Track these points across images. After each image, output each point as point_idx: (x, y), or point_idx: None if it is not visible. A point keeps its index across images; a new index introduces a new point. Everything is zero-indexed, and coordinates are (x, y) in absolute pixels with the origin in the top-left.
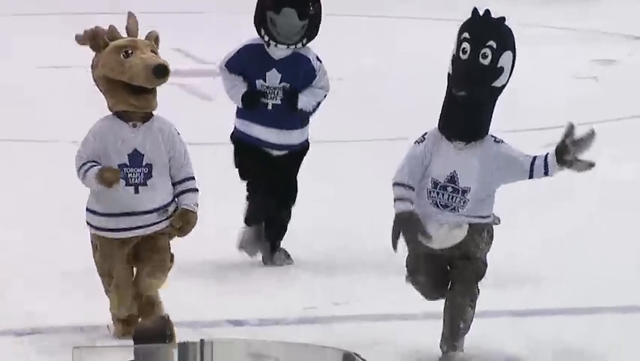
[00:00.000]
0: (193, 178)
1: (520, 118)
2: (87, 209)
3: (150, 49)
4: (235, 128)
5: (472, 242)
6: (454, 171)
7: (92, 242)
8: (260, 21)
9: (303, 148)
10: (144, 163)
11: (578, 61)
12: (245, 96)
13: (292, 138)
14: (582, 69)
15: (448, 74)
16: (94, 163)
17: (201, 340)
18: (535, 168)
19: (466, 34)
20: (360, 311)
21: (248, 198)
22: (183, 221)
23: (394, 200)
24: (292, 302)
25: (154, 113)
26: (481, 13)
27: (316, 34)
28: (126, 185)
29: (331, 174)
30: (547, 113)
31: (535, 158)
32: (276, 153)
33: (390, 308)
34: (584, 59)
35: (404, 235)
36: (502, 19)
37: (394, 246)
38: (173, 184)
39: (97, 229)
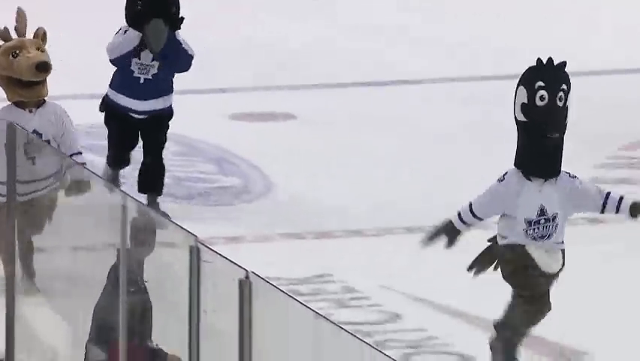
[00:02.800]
0: (81, 153)
1: None
2: None
3: (36, 46)
4: (107, 95)
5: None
6: (541, 205)
7: None
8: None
9: (169, 114)
10: (43, 140)
11: None
12: None
13: (158, 104)
14: None
15: (523, 121)
16: None
17: None
18: (608, 204)
19: (540, 83)
20: None
21: (110, 148)
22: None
23: (458, 215)
24: None
25: (45, 99)
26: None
27: (180, 25)
28: (27, 159)
29: None
30: None
31: (608, 195)
32: (140, 117)
33: None
34: None
35: (442, 239)
36: (564, 63)
37: (428, 241)
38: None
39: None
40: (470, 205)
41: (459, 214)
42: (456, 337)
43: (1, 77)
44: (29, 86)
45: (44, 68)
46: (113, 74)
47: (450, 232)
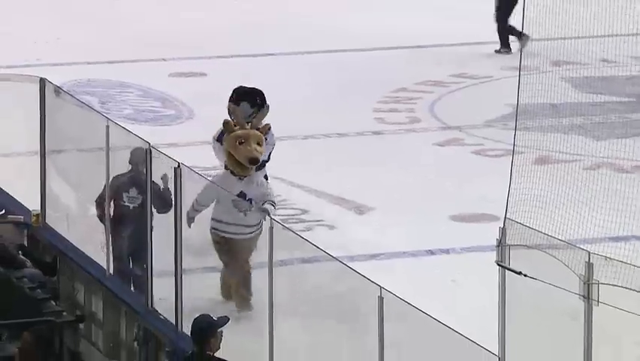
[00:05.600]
0: (273, 203)
1: None
2: (212, 218)
3: (257, 141)
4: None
5: None
6: None
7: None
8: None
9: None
10: (246, 199)
11: None
12: None
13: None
14: None
15: None
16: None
17: None
18: None
19: None
20: None
21: None
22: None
23: None
24: None
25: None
26: None
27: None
28: (239, 211)
29: None
30: None
31: None
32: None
33: None
34: None
35: None
36: None
37: None
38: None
39: (221, 231)
40: None
41: None
42: (312, 206)
43: (228, 152)
44: (242, 166)
45: (255, 162)
46: None
47: None
